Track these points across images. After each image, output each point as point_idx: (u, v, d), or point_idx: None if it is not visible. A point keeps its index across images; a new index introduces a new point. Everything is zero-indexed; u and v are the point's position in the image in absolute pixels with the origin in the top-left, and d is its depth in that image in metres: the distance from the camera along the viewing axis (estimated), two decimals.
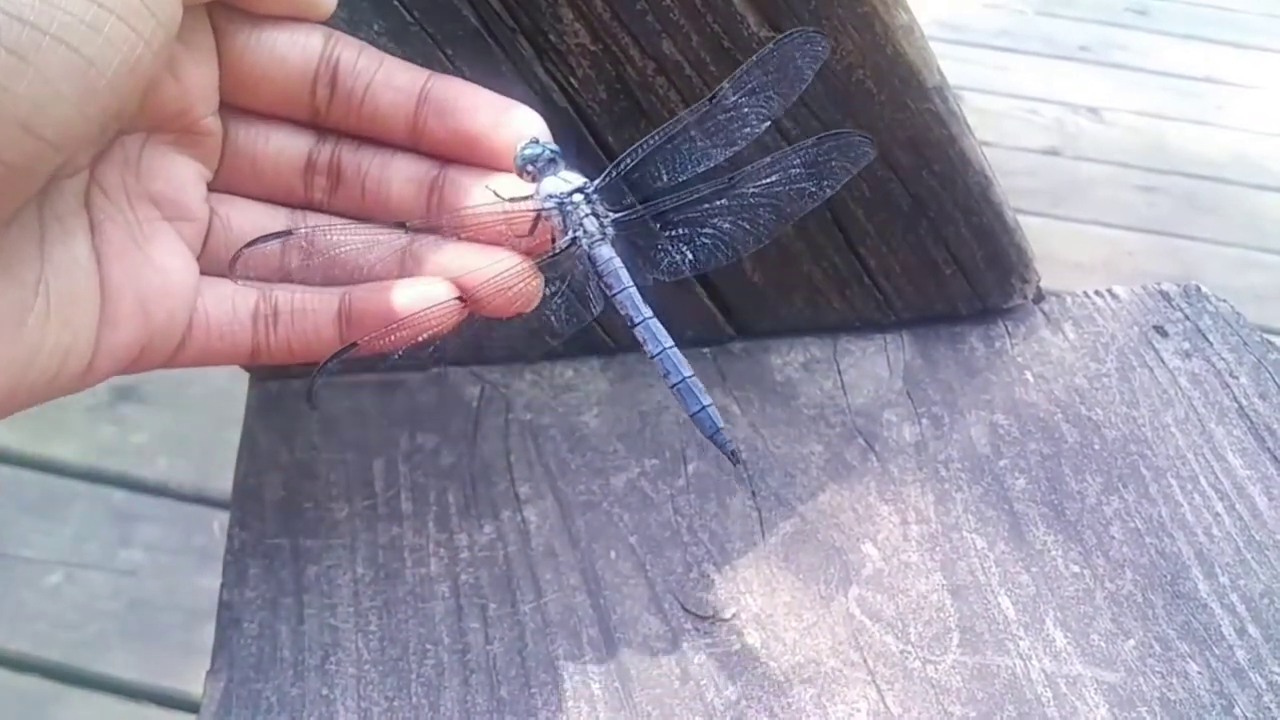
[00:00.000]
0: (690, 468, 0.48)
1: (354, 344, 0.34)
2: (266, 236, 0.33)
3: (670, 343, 0.37)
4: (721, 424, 0.37)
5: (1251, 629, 0.42)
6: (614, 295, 0.37)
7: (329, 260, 0.34)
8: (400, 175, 0.35)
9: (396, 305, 0.34)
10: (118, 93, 0.27)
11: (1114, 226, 1.62)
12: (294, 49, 0.33)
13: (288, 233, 0.34)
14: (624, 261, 0.37)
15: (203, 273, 0.34)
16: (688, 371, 0.37)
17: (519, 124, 0.34)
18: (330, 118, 0.34)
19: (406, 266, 0.35)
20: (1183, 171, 1.73)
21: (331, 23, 0.34)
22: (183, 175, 0.33)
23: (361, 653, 0.42)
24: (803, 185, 0.38)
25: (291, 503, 0.47)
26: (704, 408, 0.37)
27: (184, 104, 0.32)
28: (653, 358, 0.37)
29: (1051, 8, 2.17)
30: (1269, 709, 0.39)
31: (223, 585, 0.44)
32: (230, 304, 0.34)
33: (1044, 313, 0.55)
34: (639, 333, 0.37)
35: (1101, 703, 0.39)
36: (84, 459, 1.21)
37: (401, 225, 0.34)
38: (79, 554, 1.12)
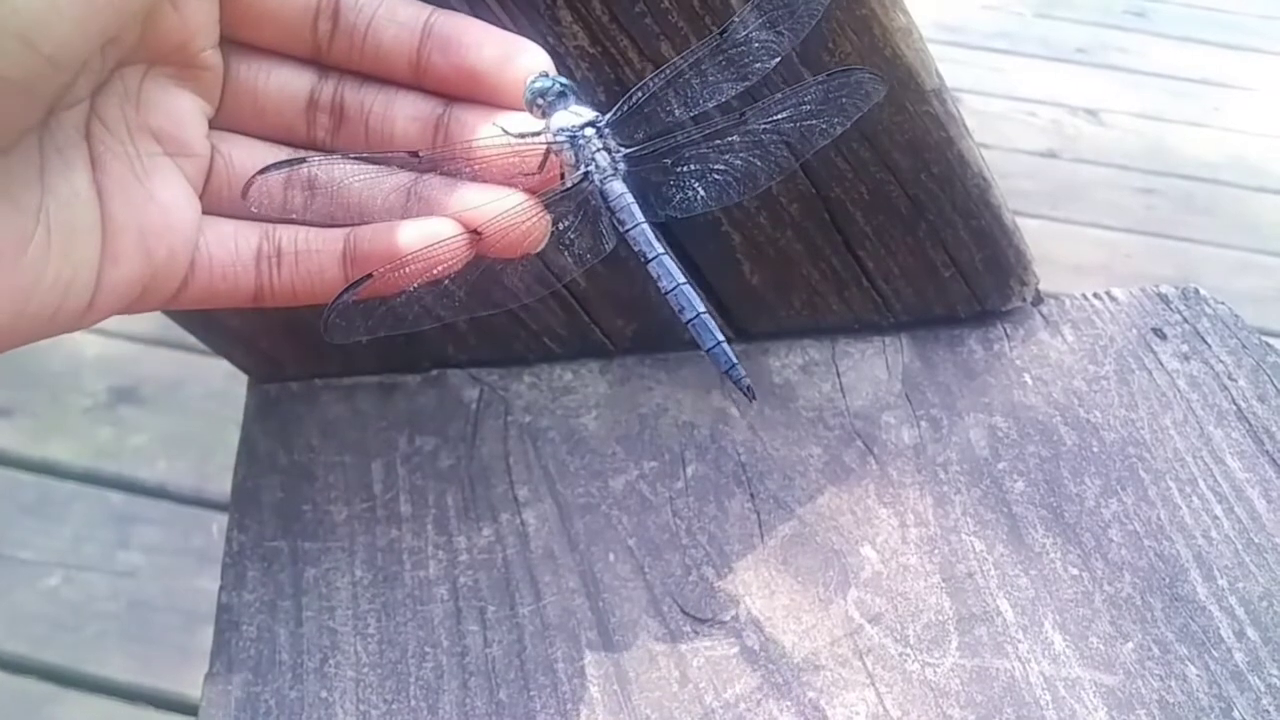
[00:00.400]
0: (689, 470, 0.48)
1: (369, 275, 0.33)
2: (281, 163, 0.33)
3: (683, 279, 0.37)
4: (735, 359, 0.37)
5: (1250, 632, 0.42)
6: (626, 231, 0.37)
7: (338, 193, 0.34)
8: (404, 113, 0.35)
9: (402, 244, 0.33)
10: (117, 11, 0.27)
11: (1112, 229, 1.62)
12: None
13: (302, 159, 0.33)
14: (636, 197, 0.37)
15: (205, 212, 0.34)
16: (701, 308, 0.37)
17: (526, 59, 0.34)
18: (332, 54, 0.34)
19: (412, 207, 0.35)
20: (1181, 173, 1.73)
21: None
22: (183, 110, 0.33)
23: (360, 655, 0.42)
24: (813, 122, 0.38)
25: (290, 505, 0.47)
26: (719, 343, 0.37)
27: (184, 35, 0.32)
28: (666, 294, 0.37)
29: (1049, 10, 2.17)
30: (1268, 712, 0.39)
31: (221, 588, 0.44)
32: (233, 244, 0.34)
33: (1042, 315, 0.55)
34: (652, 269, 0.37)
35: (1100, 705, 0.39)
36: (82, 460, 1.21)
37: (415, 154, 0.34)
38: (77, 556, 1.12)
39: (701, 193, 0.38)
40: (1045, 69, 1.99)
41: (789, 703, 0.40)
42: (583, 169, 0.36)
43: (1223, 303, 0.55)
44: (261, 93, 0.34)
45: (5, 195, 0.28)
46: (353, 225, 0.34)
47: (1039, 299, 0.55)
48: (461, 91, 0.35)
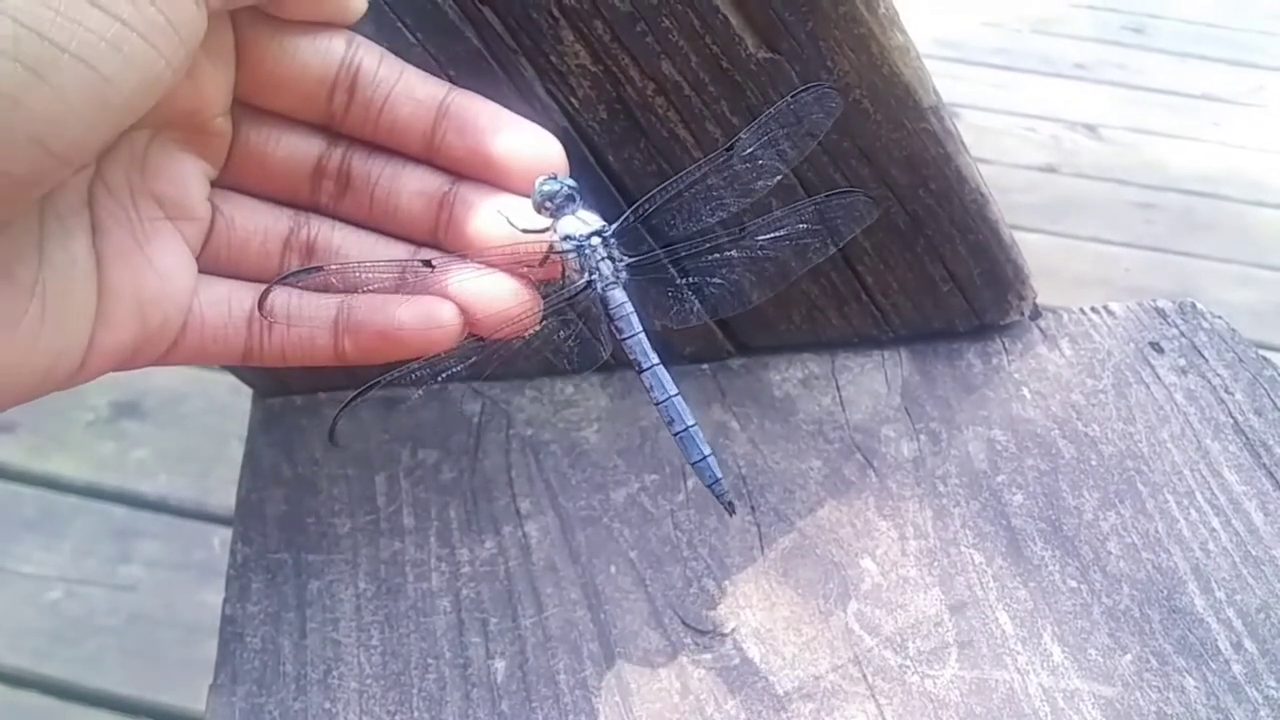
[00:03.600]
0: (690, 483, 0.48)
1: (375, 383, 0.34)
2: (296, 272, 0.33)
3: (675, 390, 0.38)
4: (720, 474, 0.38)
5: (1248, 643, 0.42)
6: (624, 340, 0.37)
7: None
8: (410, 187, 0.35)
9: (398, 322, 0.34)
10: (132, 109, 0.27)
11: (1111, 243, 1.62)
12: (316, 55, 0.33)
13: (318, 268, 0.33)
14: (634, 306, 0.37)
15: (201, 271, 0.34)
16: (690, 421, 0.38)
17: (539, 149, 0.34)
18: (346, 124, 0.34)
19: (408, 283, 0.34)
20: (1180, 188, 1.73)
21: None
22: (188, 174, 0.33)
23: (363, 667, 0.42)
24: (808, 241, 0.39)
25: (294, 518, 0.47)
26: (704, 458, 0.38)
27: (196, 104, 0.31)
28: (657, 405, 0.38)
29: (1048, 26, 2.18)
30: None
31: (226, 600, 0.45)
32: (226, 306, 0.34)
33: (1041, 329, 0.55)
34: (645, 379, 0.38)
35: (1099, 717, 0.40)
36: (84, 475, 1.21)
37: (429, 264, 0.34)
38: (78, 570, 1.12)
39: (697, 305, 0.39)
40: (1044, 85, 2.00)
41: (789, 715, 0.40)
42: (587, 276, 0.37)
43: (1220, 317, 0.56)
44: (270, 157, 0.34)
45: (3, 272, 0.28)
46: (346, 292, 0.34)
47: (1037, 313, 0.55)
48: (472, 172, 0.35)
